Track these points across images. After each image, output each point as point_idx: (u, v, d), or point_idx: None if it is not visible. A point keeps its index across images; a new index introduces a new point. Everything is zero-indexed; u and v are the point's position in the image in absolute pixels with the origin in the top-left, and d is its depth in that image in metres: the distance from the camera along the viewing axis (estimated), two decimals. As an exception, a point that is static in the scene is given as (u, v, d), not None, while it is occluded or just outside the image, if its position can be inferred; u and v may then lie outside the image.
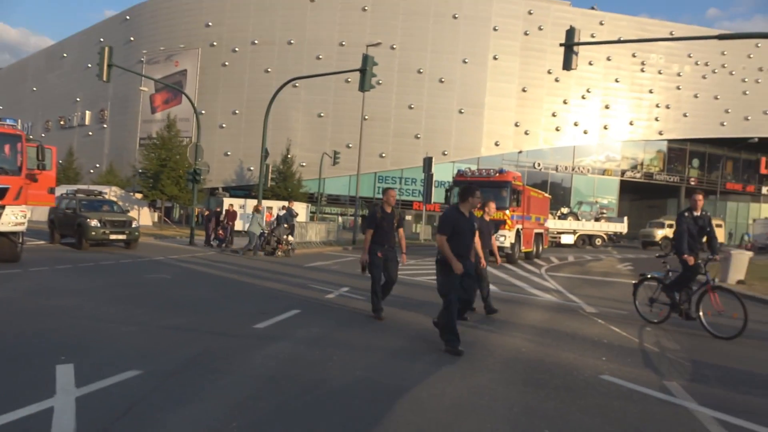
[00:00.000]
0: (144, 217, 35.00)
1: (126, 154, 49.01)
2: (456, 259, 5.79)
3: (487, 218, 9.03)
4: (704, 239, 8.16)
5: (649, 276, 8.76)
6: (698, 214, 8.01)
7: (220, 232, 21.26)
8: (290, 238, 18.93)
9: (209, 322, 6.99)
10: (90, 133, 55.73)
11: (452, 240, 5.90)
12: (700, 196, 8.05)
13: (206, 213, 24.05)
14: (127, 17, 52.90)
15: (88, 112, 56.11)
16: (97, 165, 52.27)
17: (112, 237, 16.78)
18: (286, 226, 19.12)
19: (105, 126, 54.39)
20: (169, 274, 11.90)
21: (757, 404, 4.65)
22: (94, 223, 16.47)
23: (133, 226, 17.54)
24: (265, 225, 19.35)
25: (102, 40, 49.77)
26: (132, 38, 51.42)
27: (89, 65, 51.09)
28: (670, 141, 50.94)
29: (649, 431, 3.90)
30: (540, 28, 45.79)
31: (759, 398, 4.83)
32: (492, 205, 9.25)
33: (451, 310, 5.87)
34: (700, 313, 7.74)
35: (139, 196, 38.15)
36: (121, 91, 51.25)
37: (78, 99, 56.99)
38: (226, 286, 10.69)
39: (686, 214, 8.06)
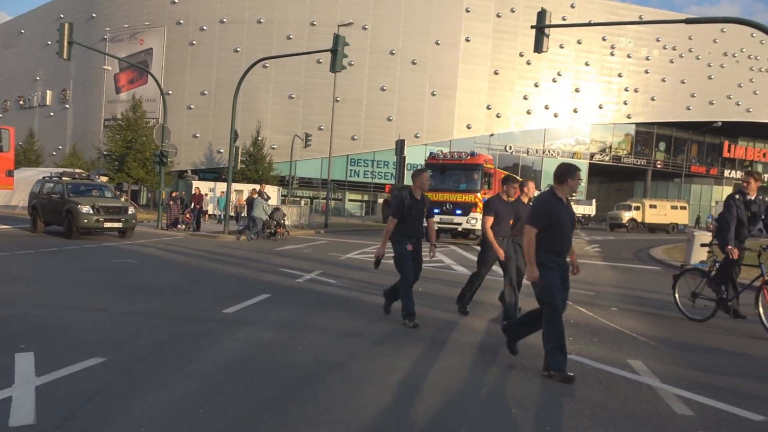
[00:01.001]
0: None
1: (90, 135, 47.61)
2: (533, 260, 4.81)
3: (525, 200, 7.10)
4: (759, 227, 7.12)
5: (691, 267, 7.80)
6: (752, 197, 6.93)
7: (187, 215, 20.91)
8: (286, 221, 19.94)
9: (177, 307, 6.87)
10: (51, 114, 53.90)
11: (548, 234, 4.76)
12: (753, 179, 6.88)
13: (174, 194, 23.20)
14: (89, -8, 51.00)
15: (49, 92, 54.19)
16: (60, 147, 50.69)
17: (107, 225, 15.21)
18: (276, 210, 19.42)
19: (67, 106, 52.66)
20: (135, 258, 11.66)
21: (718, 381, 4.80)
22: (85, 209, 14.73)
23: (130, 212, 16.02)
24: (267, 209, 18.70)
25: (62, 16, 47.96)
26: (94, 15, 49.65)
27: (49, 42, 49.21)
28: (637, 125, 51.91)
29: (614, 408, 3.98)
30: (512, 10, 45.83)
31: (720, 375, 4.98)
32: (531, 185, 7.29)
33: (557, 323, 4.68)
34: (760, 310, 6.66)
35: (104, 179, 37.15)
36: (83, 70, 49.60)
37: (38, 78, 54.96)
38: (194, 271, 10.52)
39: (737, 197, 6.96)
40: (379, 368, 4.66)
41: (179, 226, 20.76)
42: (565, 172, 4.96)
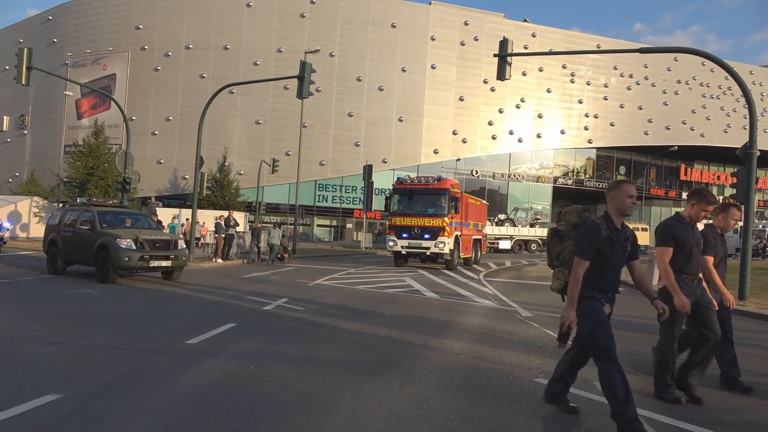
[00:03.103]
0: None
1: (49, 162, 46.31)
2: (680, 291, 4.67)
3: (725, 226, 5.64)
4: None
5: None
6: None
7: None
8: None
9: (137, 339, 6.64)
10: (8, 140, 52.31)
11: (676, 258, 4.55)
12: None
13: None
14: (50, 17, 50.13)
15: (6, 117, 52.64)
16: (17, 174, 49.13)
17: (153, 264, 12.20)
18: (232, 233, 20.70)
19: (26, 132, 51.22)
20: (94, 289, 11.28)
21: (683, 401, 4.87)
22: (126, 243, 11.84)
23: (180, 247, 13.02)
24: (279, 237, 20.73)
25: (21, 40, 46.96)
26: (55, 40, 48.79)
27: (7, 67, 48.03)
28: (598, 149, 53.42)
29: (583, 429, 3.99)
30: (476, 39, 46.99)
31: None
32: (736, 213, 5.69)
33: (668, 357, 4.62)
34: None
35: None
36: (43, 96, 48.48)
37: (-5, 103, 53.42)
38: (156, 300, 10.23)
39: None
40: (347, 397, 4.58)
41: None
42: (697, 193, 5.08)
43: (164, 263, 12.45)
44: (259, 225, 22.38)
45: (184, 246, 13.45)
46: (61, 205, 16.85)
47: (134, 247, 11.91)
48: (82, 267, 14.00)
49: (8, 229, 20.34)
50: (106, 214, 13.41)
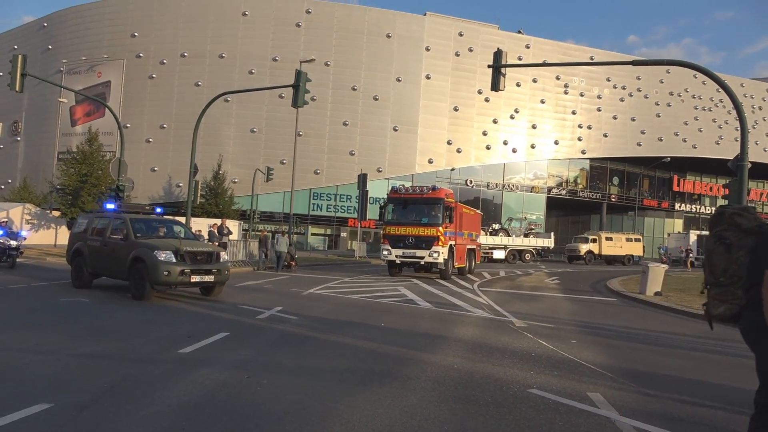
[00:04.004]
0: (62, 236, 32.97)
1: (42, 169, 46.11)
2: None
3: None
4: None
5: None
6: None
7: None
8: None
9: (130, 348, 6.60)
10: (1, 146, 52.04)
11: None
12: None
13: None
14: (45, 24, 50.15)
15: (-1, 124, 52.48)
16: (9, 181, 48.87)
17: (195, 279, 10.89)
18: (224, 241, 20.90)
19: (19, 139, 51.03)
20: (86, 297, 11.20)
21: (675, 411, 4.89)
22: (165, 255, 10.51)
23: (222, 260, 11.64)
24: (287, 245, 21.61)
25: (16, 47, 46.92)
26: (50, 47, 48.75)
27: (1, 74, 47.94)
28: (592, 159, 53.72)
29: (575, 444, 3.99)
30: (470, 50, 47.30)
31: (677, 404, 5.08)
32: None
33: None
34: None
35: (56, 213, 35.94)
36: (37, 103, 48.34)
37: (-12, 110, 53.24)
38: (149, 309, 10.16)
39: None
40: (340, 407, 4.56)
41: None
42: None
43: (206, 278, 11.09)
44: (265, 234, 23.90)
45: (226, 258, 11.98)
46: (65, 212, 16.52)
47: (174, 260, 10.56)
48: (109, 280, 12.79)
49: (25, 238, 19.87)
50: (140, 221, 12.28)
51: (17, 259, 17.48)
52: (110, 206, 13.93)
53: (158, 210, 14.14)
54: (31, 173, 46.38)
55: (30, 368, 5.42)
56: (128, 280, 11.14)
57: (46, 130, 48.49)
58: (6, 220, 19.39)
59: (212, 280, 11.24)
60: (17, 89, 18.04)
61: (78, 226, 13.47)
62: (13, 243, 17.10)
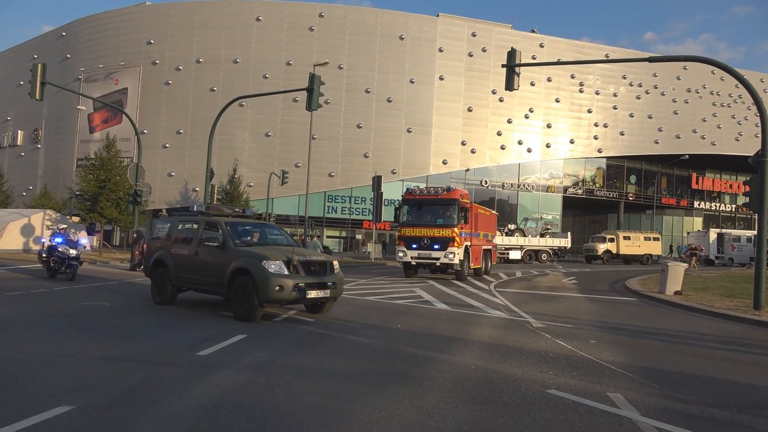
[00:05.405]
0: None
1: (62, 175, 46.86)
2: None
3: None
4: None
5: None
6: None
7: None
8: None
9: (149, 351, 6.66)
10: (22, 154, 53.05)
11: None
12: None
13: (135, 235, 21.55)
14: (64, 33, 50.99)
15: (20, 132, 53.44)
16: (30, 187, 49.72)
17: (311, 295, 9.14)
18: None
19: (39, 146, 51.91)
20: (106, 301, 11.34)
21: (697, 411, 4.80)
22: (275, 266, 8.86)
23: (336, 271, 9.90)
24: (320, 248, 21.78)
25: (36, 56, 47.75)
26: (68, 55, 49.56)
27: (21, 83, 48.84)
28: (608, 158, 53.15)
29: (596, 444, 3.94)
30: (483, 50, 47.12)
31: (698, 406, 4.99)
32: None
33: None
34: None
35: (76, 219, 36.48)
36: (56, 110, 49.16)
37: (9, 118, 54.23)
38: (167, 312, 10.25)
39: None
40: (357, 408, 4.56)
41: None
42: None
43: (322, 293, 9.36)
44: (301, 238, 24.77)
45: (339, 269, 10.16)
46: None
47: (286, 272, 8.88)
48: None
49: (85, 247, 18.23)
50: (235, 225, 10.54)
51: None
52: (196, 207, 12.31)
53: (248, 212, 12.34)
54: (51, 180, 47.18)
55: (51, 372, 5.49)
56: (226, 296, 9.60)
57: (65, 137, 49.29)
58: (65, 227, 17.65)
59: (328, 295, 9.50)
60: (37, 98, 18.39)
61: (157, 231, 11.83)
62: (73, 252, 15.38)
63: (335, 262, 10.02)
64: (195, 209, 12.25)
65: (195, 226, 10.83)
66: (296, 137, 41.68)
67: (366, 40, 45.40)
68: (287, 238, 11.44)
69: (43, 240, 17.78)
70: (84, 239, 20.35)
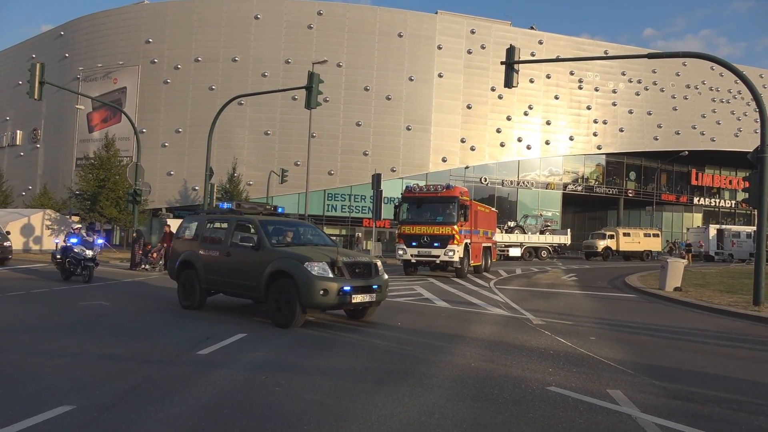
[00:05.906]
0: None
1: (61, 175, 46.82)
2: None
3: None
4: None
5: None
6: None
7: (154, 254, 20.20)
8: None
9: (149, 350, 6.67)
10: (21, 154, 53.00)
11: None
12: None
13: (134, 234, 21.38)
14: (62, 33, 50.90)
15: (19, 132, 53.39)
16: (29, 187, 49.70)
17: (356, 299, 8.47)
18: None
19: (38, 146, 51.86)
20: (106, 300, 11.35)
21: (697, 409, 4.81)
22: (318, 269, 8.22)
23: (380, 273, 9.15)
24: None
25: (34, 56, 47.68)
26: (67, 54, 49.48)
27: (20, 82, 48.75)
28: (608, 155, 53.11)
29: (596, 441, 3.95)
30: (482, 47, 47.06)
31: (697, 403, 5.00)
32: None
33: None
34: None
35: (75, 219, 36.50)
36: (55, 110, 49.11)
37: (8, 118, 54.18)
38: (167, 311, 10.26)
39: None
40: (358, 407, 4.57)
41: (143, 266, 19.86)
42: None
43: (368, 298, 8.66)
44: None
45: (382, 270, 9.30)
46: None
47: (331, 275, 8.23)
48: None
49: (101, 247, 17.53)
50: (271, 224, 9.78)
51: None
52: (226, 204, 11.69)
53: (280, 209, 11.60)
54: (50, 179, 47.15)
55: (52, 371, 5.50)
56: (262, 300, 9.00)
57: (65, 136, 49.25)
58: (80, 226, 16.92)
59: (373, 299, 8.82)
60: (36, 97, 18.37)
61: (183, 230, 11.07)
62: (89, 253, 14.65)
63: (379, 264, 9.32)
64: (225, 207, 11.43)
65: (225, 225, 10.16)
66: (295, 135, 41.65)
67: (365, 38, 45.34)
68: (324, 237, 10.75)
69: (57, 241, 17.07)
70: (100, 239, 19.62)
